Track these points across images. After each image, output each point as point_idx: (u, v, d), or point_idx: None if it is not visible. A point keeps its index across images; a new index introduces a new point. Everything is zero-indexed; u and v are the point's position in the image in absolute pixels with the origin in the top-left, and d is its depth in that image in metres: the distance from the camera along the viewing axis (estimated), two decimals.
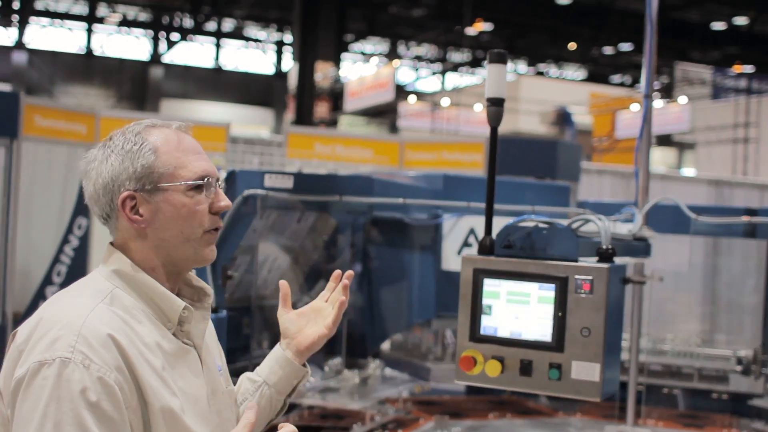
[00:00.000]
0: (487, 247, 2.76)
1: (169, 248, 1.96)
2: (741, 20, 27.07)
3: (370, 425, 3.92)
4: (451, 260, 4.24)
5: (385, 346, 4.74)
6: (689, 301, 9.38)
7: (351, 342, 4.30)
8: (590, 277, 2.56)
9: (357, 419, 3.95)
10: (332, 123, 24.48)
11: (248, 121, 32.06)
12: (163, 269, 1.98)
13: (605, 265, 2.58)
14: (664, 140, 31.12)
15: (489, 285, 2.69)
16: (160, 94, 33.25)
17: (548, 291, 2.61)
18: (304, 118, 23.45)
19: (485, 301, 2.69)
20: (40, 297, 8.01)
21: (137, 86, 33.32)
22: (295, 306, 2.35)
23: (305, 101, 24.12)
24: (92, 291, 1.91)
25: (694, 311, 9.44)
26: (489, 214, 2.80)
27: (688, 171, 27.15)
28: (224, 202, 2.02)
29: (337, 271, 2.29)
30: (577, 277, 2.57)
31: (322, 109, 24.25)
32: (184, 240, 1.96)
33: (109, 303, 1.88)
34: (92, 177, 1.97)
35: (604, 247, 2.74)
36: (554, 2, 25.75)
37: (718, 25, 27.23)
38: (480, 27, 27.35)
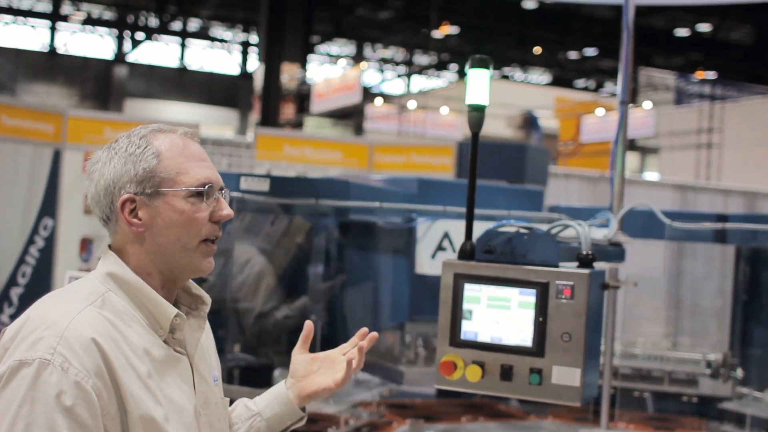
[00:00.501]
0: (467, 252, 2.77)
1: (165, 255, 1.93)
2: (704, 27, 27.38)
3: (345, 429, 3.92)
4: (425, 264, 4.25)
5: None
6: (654, 305, 9.47)
7: (324, 345, 4.29)
8: (571, 283, 2.58)
9: (331, 423, 3.94)
10: (298, 124, 24.43)
11: (213, 121, 31.87)
12: (159, 276, 1.95)
13: (586, 271, 2.59)
14: (628, 145, 31.35)
15: (470, 290, 2.69)
16: (124, 94, 32.98)
17: (529, 296, 2.62)
18: (269, 119, 23.38)
19: (466, 306, 2.69)
20: (4, 299, 7.92)
21: (101, 85, 33.02)
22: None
23: (271, 102, 24.04)
24: (84, 293, 1.89)
25: (659, 315, 9.54)
26: (469, 219, 2.82)
27: (651, 175, 27.40)
28: (226, 211, 1.99)
29: (364, 329, 2.27)
30: (558, 282, 2.59)
31: (288, 111, 24.18)
32: (181, 247, 1.93)
33: (99, 306, 1.85)
34: (95, 178, 1.94)
35: (584, 252, 2.76)
36: (520, 7, 25.88)
37: (682, 32, 27.52)
38: (446, 30, 27.46)
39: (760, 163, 19.18)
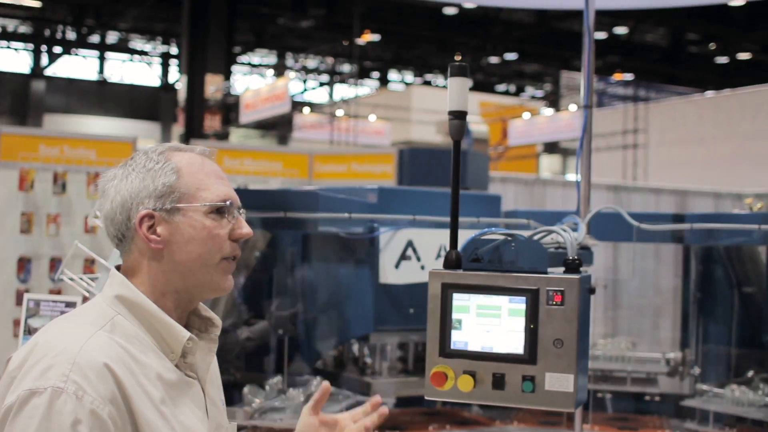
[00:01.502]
0: (453, 262, 2.73)
1: (184, 272, 1.87)
2: (621, 30, 27.88)
3: None
4: (389, 274, 4.22)
5: (322, 362, 4.68)
6: (594, 304, 9.58)
7: (290, 359, 4.23)
8: (562, 289, 2.56)
9: None
10: (224, 136, 24.21)
11: (134, 134, 31.41)
12: (175, 296, 1.89)
13: (576, 276, 2.58)
14: (550, 147, 31.79)
15: (458, 299, 2.66)
16: (43, 109, 32.36)
17: (519, 304, 2.60)
18: (194, 131, 23.13)
19: (455, 316, 2.66)
20: None
21: (18, 100, 32.34)
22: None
23: (195, 114, 23.80)
24: (92, 317, 1.82)
25: (597, 315, 9.65)
26: (454, 228, 2.78)
27: (574, 177, 27.77)
28: (246, 229, 1.95)
29: (377, 398, 2.24)
30: (548, 288, 2.57)
31: (212, 122, 23.95)
32: (201, 265, 1.88)
33: (109, 330, 1.79)
34: (110, 195, 1.90)
35: (571, 257, 2.75)
36: (441, 13, 26.05)
37: (600, 35, 27.97)
38: (368, 38, 27.50)
39: (684, 162, 19.60)
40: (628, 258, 9.52)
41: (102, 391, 1.68)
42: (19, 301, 7.41)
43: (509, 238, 2.70)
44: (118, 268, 1.93)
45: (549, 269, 2.71)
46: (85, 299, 3.73)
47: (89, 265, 7.47)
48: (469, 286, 2.64)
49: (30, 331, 3.67)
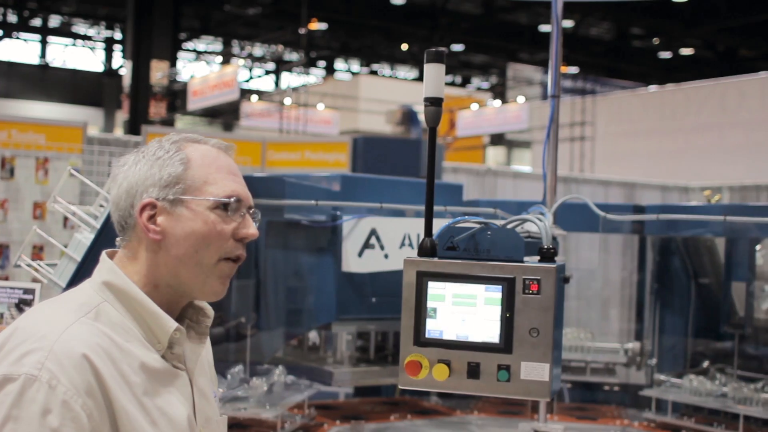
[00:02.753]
0: (428, 250, 2.71)
1: (178, 268, 1.81)
2: (567, 23, 28.08)
3: None
4: (352, 262, 4.18)
5: (283, 350, 4.64)
6: None
7: (253, 346, 4.19)
8: (538, 277, 2.55)
9: (267, 428, 3.85)
10: (169, 122, 23.95)
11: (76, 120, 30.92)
12: (166, 289, 1.83)
13: (552, 265, 2.58)
14: (497, 139, 31.96)
15: (433, 288, 2.63)
16: None
17: (495, 292, 2.58)
18: (138, 117, 22.85)
19: (430, 304, 2.63)
20: None
21: None
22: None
23: (140, 100, 23.52)
24: (77, 303, 1.76)
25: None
26: (429, 216, 2.75)
27: (522, 168, 27.96)
28: (251, 229, 1.88)
29: None
30: (524, 277, 2.56)
31: (158, 109, 23.69)
32: (197, 263, 1.81)
33: (93, 318, 1.73)
34: (119, 180, 1.85)
35: (545, 246, 2.74)
36: (388, 2, 26.02)
37: (546, 28, 28.13)
38: (315, 26, 27.37)
39: (631, 155, 19.82)
40: (576, 249, 9.59)
41: (77, 381, 1.62)
42: None
43: (484, 227, 2.69)
44: (110, 254, 1.87)
45: (524, 258, 2.71)
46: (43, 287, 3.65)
47: (38, 252, 7.34)
48: (444, 275, 2.62)
49: None
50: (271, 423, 3.87)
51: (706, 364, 4.81)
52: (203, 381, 1.94)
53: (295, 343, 4.69)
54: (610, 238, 8.74)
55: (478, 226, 2.69)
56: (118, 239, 1.89)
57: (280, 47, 29.95)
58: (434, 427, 4.30)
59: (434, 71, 2.75)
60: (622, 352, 4.89)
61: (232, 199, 1.84)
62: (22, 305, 3.52)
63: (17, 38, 33.32)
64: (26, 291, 3.60)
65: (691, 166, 17.75)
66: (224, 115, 27.89)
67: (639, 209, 4.67)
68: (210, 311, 1.96)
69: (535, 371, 2.57)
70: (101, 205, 3.76)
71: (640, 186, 11.62)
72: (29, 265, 3.78)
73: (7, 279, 7.19)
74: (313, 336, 4.69)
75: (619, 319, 9.26)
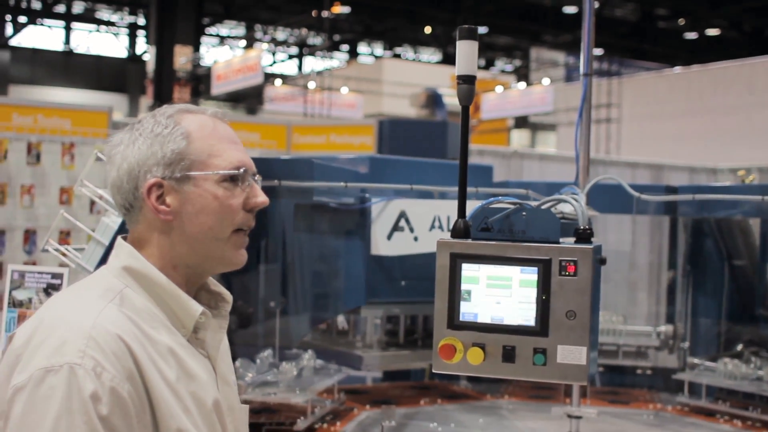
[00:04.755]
0: (462, 231, 2.65)
1: (194, 245, 1.76)
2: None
3: (311, 419, 3.79)
4: (381, 245, 4.13)
5: (312, 335, 4.60)
6: None
7: (282, 331, 4.15)
8: (575, 259, 2.49)
9: (298, 413, 3.81)
10: None
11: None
12: (185, 269, 1.78)
13: (589, 246, 2.51)
14: (521, 122, 31.78)
15: (467, 270, 2.58)
16: (7, 80, 31.73)
17: (531, 274, 2.52)
18: (163, 102, 22.70)
19: (464, 287, 2.58)
20: None
21: None
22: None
23: (164, 86, 23.55)
24: (100, 290, 1.69)
25: None
26: (462, 197, 2.70)
27: (548, 150, 27.82)
28: (261, 198, 1.82)
29: None
30: (561, 258, 2.50)
31: (182, 94, 23.70)
32: (213, 237, 1.76)
33: (119, 304, 1.67)
34: (116, 162, 1.77)
35: (582, 227, 2.67)
36: None
37: (570, 9, 27.90)
38: (338, 10, 27.27)
39: (656, 136, 19.63)
40: (603, 231, 9.49)
41: (119, 367, 1.57)
42: None
43: (519, 207, 2.63)
44: (124, 238, 1.82)
45: (560, 239, 2.64)
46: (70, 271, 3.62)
47: (64, 237, 7.33)
48: (478, 256, 2.57)
49: (15, 304, 3.55)
50: (301, 408, 3.83)
51: (740, 347, 4.74)
52: (225, 368, 1.89)
53: (324, 328, 4.65)
54: (637, 220, 8.65)
55: (512, 206, 2.63)
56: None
57: (304, 31, 29.87)
58: (465, 412, 4.25)
59: (467, 48, 2.70)
60: (655, 335, 4.82)
61: (240, 170, 1.78)
62: (50, 290, 3.50)
63: (41, 25, 33.38)
64: (54, 276, 3.56)
65: (718, 147, 17.54)
66: (248, 100, 27.87)
67: (671, 190, 4.59)
68: (228, 296, 1.90)
69: (572, 355, 2.52)
70: None
71: (668, 168, 11.49)
72: (57, 250, 3.76)
73: (34, 264, 7.19)
74: (341, 320, 4.65)
75: (648, 302, 9.16)
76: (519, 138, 35.04)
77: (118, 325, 1.62)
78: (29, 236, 7.58)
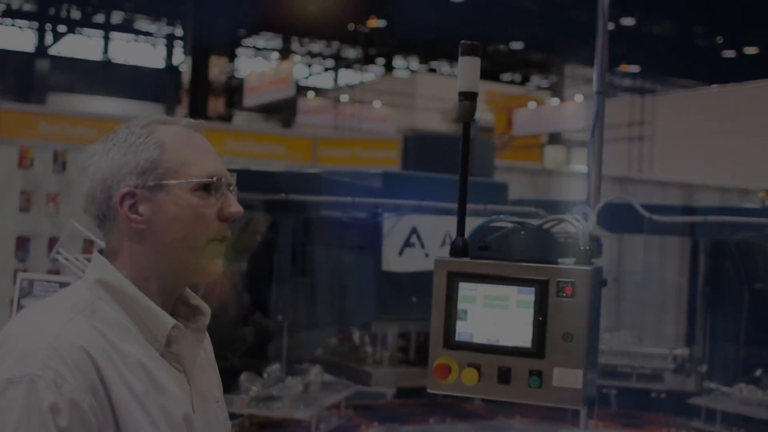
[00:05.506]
0: (460, 249, 2.62)
1: (168, 254, 1.73)
2: (628, 21, 27.67)
3: None
4: (392, 261, 4.11)
5: (321, 350, 4.58)
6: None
7: (290, 343, 4.13)
8: (572, 280, 2.45)
9: (302, 428, 3.79)
10: (228, 119, 24.10)
11: (135, 114, 31.18)
12: (159, 280, 1.75)
13: (588, 267, 2.47)
14: (555, 138, 31.63)
15: (464, 289, 2.54)
16: (47, 88, 32.15)
17: (528, 295, 2.48)
18: (198, 113, 23.00)
19: (460, 306, 2.54)
20: None
21: (22, 79, 32.11)
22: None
23: (199, 96, 23.68)
24: (71, 302, 1.68)
25: (602, 307, 9.52)
26: (462, 215, 2.66)
27: (580, 168, 27.66)
28: (235, 207, 1.79)
29: None
30: (558, 279, 2.46)
31: (216, 105, 23.83)
32: (186, 246, 1.73)
33: (89, 316, 1.65)
34: (90, 172, 1.75)
35: (582, 247, 2.63)
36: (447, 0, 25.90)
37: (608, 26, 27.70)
38: (373, 24, 27.34)
39: (690, 155, 19.45)
40: (634, 250, 9.40)
41: (82, 379, 1.55)
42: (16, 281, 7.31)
43: (519, 227, 2.59)
44: (101, 251, 1.81)
45: (559, 260, 2.61)
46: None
47: (89, 246, 7.36)
48: (476, 275, 2.53)
49: None
50: (306, 423, 3.81)
51: (758, 372, 4.66)
52: (203, 382, 1.86)
53: (334, 342, 4.63)
54: (667, 240, 8.57)
55: (511, 225, 2.60)
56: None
57: (338, 44, 29.96)
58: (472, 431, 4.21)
59: (469, 64, 2.67)
60: (671, 358, 4.75)
61: (213, 179, 1.76)
62: None
63: (80, 34, 33.74)
64: (62, 285, 3.58)
65: (752, 168, 17.35)
66: (282, 112, 27.95)
67: (689, 210, 4.54)
68: (207, 309, 1.88)
69: (567, 378, 2.47)
70: None
71: (699, 188, 11.38)
72: (67, 259, 3.77)
73: (57, 273, 7.23)
74: (352, 335, 4.63)
75: (676, 323, 9.05)
76: (554, 154, 34.88)
77: (83, 337, 1.60)
78: (54, 245, 7.61)
